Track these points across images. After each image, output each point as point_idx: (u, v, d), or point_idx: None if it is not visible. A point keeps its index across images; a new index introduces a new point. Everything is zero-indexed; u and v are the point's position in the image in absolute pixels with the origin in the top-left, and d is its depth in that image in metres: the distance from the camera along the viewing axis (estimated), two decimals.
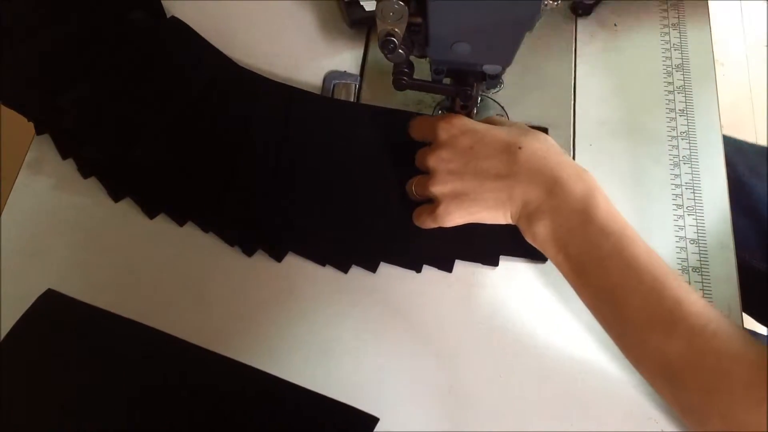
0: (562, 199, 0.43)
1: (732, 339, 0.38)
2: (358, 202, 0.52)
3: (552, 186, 0.44)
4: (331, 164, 0.53)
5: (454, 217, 0.47)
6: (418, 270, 0.50)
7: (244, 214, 0.51)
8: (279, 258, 0.50)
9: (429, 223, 0.49)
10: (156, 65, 0.57)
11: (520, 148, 0.45)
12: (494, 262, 0.50)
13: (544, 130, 0.54)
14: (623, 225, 0.43)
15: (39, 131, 0.55)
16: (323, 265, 0.50)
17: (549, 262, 0.49)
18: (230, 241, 0.51)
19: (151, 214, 0.52)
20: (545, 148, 0.46)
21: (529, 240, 0.46)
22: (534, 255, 0.49)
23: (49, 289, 0.48)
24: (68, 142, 0.54)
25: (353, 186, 0.52)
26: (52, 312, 0.47)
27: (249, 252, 0.51)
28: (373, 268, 0.50)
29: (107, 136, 0.54)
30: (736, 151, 0.65)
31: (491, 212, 0.46)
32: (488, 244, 0.50)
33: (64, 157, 0.54)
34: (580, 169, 0.45)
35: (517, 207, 0.45)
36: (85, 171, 0.53)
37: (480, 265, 0.50)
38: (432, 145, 0.49)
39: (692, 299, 0.40)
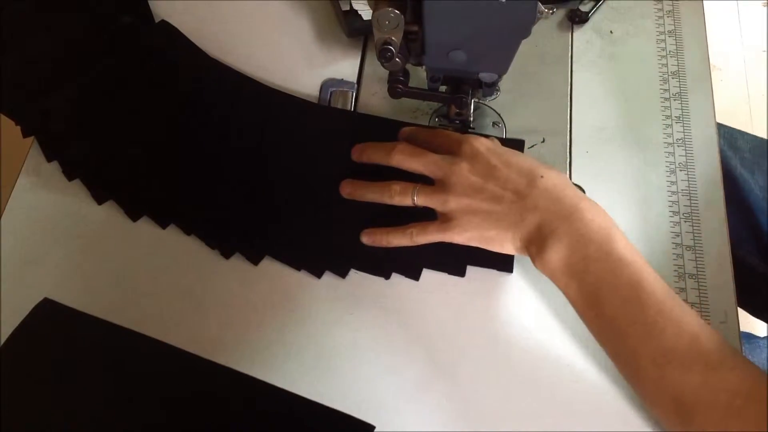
0: (582, 226, 0.43)
1: (746, 377, 0.38)
2: (330, 207, 0.52)
3: (571, 213, 0.43)
4: (307, 169, 0.54)
5: (466, 233, 0.46)
6: (387, 277, 0.50)
7: (221, 216, 0.52)
8: (255, 261, 0.51)
9: (434, 236, 0.48)
10: (142, 69, 0.58)
11: (542, 176, 0.45)
12: (461, 273, 0.50)
13: (521, 143, 0.53)
14: (642, 260, 0.42)
15: (26, 134, 0.55)
16: (298, 269, 0.50)
17: (515, 273, 0.50)
18: (210, 243, 0.51)
19: (133, 216, 0.52)
20: (565, 182, 0.46)
21: (537, 266, 0.45)
22: (500, 265, 0.49)
23: (45, 298, 0.48)
24: (54, 145, 0.55)
25: (327, 190, 0.52)
26: (49, 321, 0.47)
27: (227, 254, 0.51)
28: (342, 274, 0.50)
29: (91, 138, 0.54)
30: (730, 145, 0.65)
31: (501, 232, 0.45)
32: (454, 254, 0.49)
33: (50, 159, 0.54)
34: (599, 205, 0.45)
35: (529, 230, 0.45)
36: (70, 174, 0.54)
37: (474, 273, 0.50)
38: (450, 157, 0.48)
39: (709, 334, 0.40)
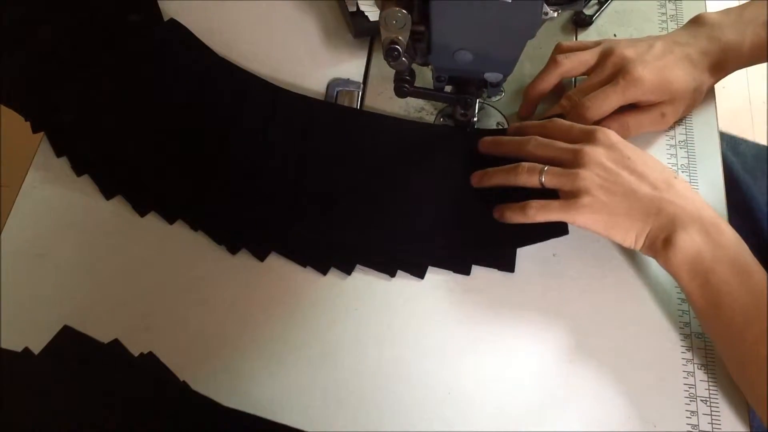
0: (716, 231, 0.44)
1: None
2: (336, 203, 0.53)
3: (707, 214, 0.44)
4: (313, 165, 0.54)
5: (593, 214, 0.45)
6: (392, 275, 0.50)
7: (227, 212, 0.52)
8: (261, 257, 0.51)
9: (555, 214, 0.47)
10: (152, 66, 0.58)
11: (676, 177, 0.46)
12: (466, 271, 0.50)
13: None
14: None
15: (35, 129, 0.56)
16: (304, 266, 0.51)
17: (518, 272, 0.50)
18: (217, 239, 0.52)
19: (141, 212, 0.53)
20: (694, 191, 0.47)
21: (659, 260, 0.45)
22: (503, 265, 0.50)
23: (65, 326, 0.44)
24: (63, 140, 0.55)
25: (332, 187, 0.53)
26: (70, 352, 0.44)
27: (233, 250, 0.51)
28: (347, 270, 0.50)
29: (101, 134, 0.55)
30: (732, 150, 0.66)
31: (631, 220, 0.45)
32: (459, 252, 0.50)
33: (59, 155, 0.55)
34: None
35: (661, 223, 0.44)
36: (79, 169, 0.54)
37: (477, 271, 0.51)
38: (583, 143, 0.47)
39: None
